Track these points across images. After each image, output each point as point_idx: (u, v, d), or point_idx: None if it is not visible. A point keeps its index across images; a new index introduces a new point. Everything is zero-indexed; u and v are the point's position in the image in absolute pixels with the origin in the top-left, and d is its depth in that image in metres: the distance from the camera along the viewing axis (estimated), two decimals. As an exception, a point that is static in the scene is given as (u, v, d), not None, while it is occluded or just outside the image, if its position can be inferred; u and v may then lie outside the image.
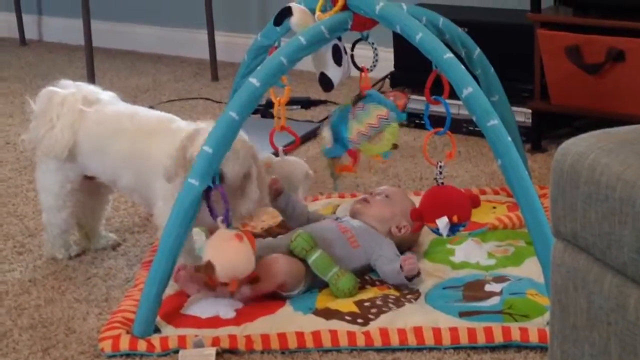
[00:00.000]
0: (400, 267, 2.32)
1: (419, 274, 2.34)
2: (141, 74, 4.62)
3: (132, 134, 2.46)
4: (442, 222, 2.27)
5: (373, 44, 2.47)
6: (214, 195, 2.20)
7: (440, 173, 2.32)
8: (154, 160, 2.38)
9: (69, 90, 2.56)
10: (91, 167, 2.54)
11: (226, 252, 2.19)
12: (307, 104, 3.96)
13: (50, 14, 5.38)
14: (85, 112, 2.51)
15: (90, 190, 2.61)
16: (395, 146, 2.48)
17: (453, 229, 2.30)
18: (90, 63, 4.07)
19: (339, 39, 2.42)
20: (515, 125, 2.68)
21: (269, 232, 2.64)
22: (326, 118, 3.77)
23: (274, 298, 2.31)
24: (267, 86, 2.23)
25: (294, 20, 2.36)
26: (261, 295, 2.30)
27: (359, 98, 2.48)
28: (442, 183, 2.33)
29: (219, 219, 2.22)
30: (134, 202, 2.87)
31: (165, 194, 2.35)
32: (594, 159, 1.42)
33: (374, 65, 2.50)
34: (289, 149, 2.58)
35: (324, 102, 3.98)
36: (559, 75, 3.17)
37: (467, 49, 2.57)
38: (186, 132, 2.33)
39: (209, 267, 2.18)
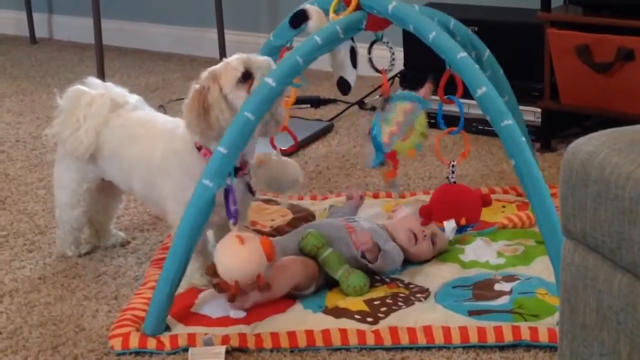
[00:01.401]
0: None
1: (378, 255, 2.34)
2: (151, 73, 4.62)
3: (141, 140, 2.46)
4: (449, 226, 2.26)
5: (388, 42, 2.46)
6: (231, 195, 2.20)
7: (453, 172, 2.31)
8: (157, 160, 2.39)
9: (98, 91, 2.56)
10: (110, 172, 2.54)
11: (226, 254, 2.16)
12: (317, 102, 3.96)
13: (60, 13, 5.39)
14: (109, 116, 2.52)
15: (105, 188, 2.61)
16: (424, 135, 2.46)
17: (460, 229, 2.29)
18: (100, 61, 4.08)
19: (352, 40, 2.41)
20: (524, 126, 2.67)
21: (278, 231, 2.65)
22: (335, 117, 3.78)
23: (284, 297, 2.31)
24: (282, 86, 2.23)
25: (311, 24, 2.36)
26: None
27: (385, 101, 2.48)
28: (455, 182, 2.32)
29: (231, 220, 2.19)
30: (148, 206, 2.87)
31: (175, 194, 2.35)
32: (603, 158, 1.42)
33: (393, 65, 2.49)
34: (287, 151, 2.58)
35: (334, 100, 3.98)
36: (569, 74, 3.17)
37: (477, 50, 2.57)
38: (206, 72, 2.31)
39: (212, 268, 2.18)
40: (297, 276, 2.29)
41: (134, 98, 2.60)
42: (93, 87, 2.57)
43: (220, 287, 2.20)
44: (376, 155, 2.45)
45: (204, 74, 2.31)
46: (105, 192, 2.62)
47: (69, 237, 2.63)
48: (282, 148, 2.57)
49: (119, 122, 2.51)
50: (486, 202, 2.34)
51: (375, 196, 2.94)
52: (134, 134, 2.48)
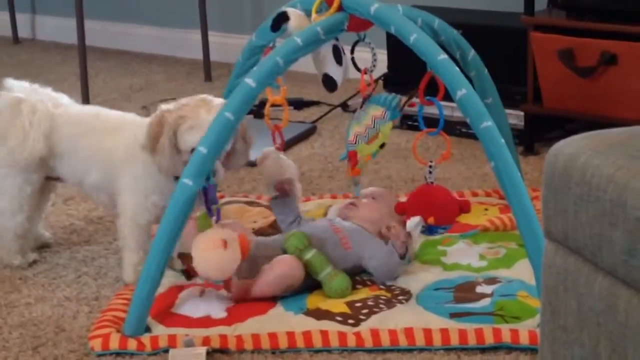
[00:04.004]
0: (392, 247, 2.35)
1: (407, 249, 2.35)
2: (134, 74, 4.61)
3: (99, 133, 2.47)
4: (412, 222, 2.28)
5: (370, 43, 2.47)
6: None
7: (431, 173, 2.32)
8: (119, 154, 2.42)
9: (35, 97, 2.52)
10: (60, 169, 2.53)
11: (208, 255, 2.20)
12: (300, 104, 3.96)
13: (43, 13, 5.37)
14: (55, 116, 2.51)
15: (40, 188, 2.59)
16: (382, 145, 2.49)
17: (431, 229, 2.29)
18: (84, 62, 4.07)
19: (337, 39, 2.42)
20: (508, 128, 2.68)
21: (261, 232, 2.64)
22: (318, 119, 3.78)
23: (264, 298, 2.31)
24: (262, 87, 2.24)
25: (291, 24, 2.36)
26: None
27: (363, 101, 2.50)
28: (432, 183, 2.33)
29: (213, 218, 2.24)
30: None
31: (132, 186, 2.42)
32: (585, 160, 1.42)
33: (374, 66, 2.50)
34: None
35: (317, 103, 3.98)
36: (552, 78, 3.17)
37: (462, 50, 2.58)
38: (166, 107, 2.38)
39: (189, 258, 2.24)
40: (291, 279, 2.29)
41: (65, 98, 2.61)
42: (18, 90, 2.54)
43: (189, 273, 2.31)
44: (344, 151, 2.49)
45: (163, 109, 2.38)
46: (39, 191, 2.59)
47: (14, 245, 2.56)
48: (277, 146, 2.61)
49: (65, 119, 2.52)
50: (463, 208, 2.33)
51: (346, 197, 2.93)
52: (90, 127, 2.49)
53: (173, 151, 2.32)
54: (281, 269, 2.29)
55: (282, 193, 2.58)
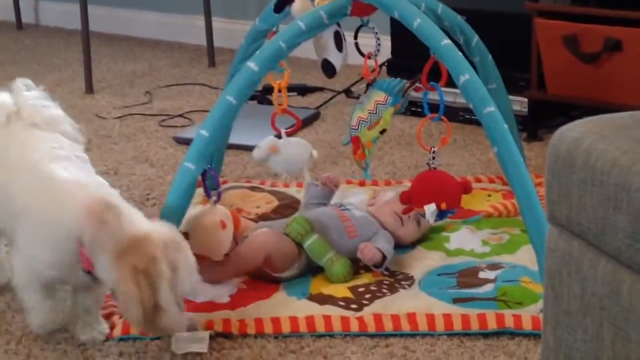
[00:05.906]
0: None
1: (384, 258, 2.34)
2: (138, 60, 4.61)
3: (2, 167, 2.13)
4: (430, 209, 2.27)
5: (374, 28, 2.47)
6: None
7: (434, 158, 2.32)
8: (21, 205, 2.06)
9: (9, 102, 2.22)
10: None
11: (207, 233, 2.19)
12: (304, 90, 3.96)
13: (47, -2, 5.37)
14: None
15: None
16: (383, 131, 2.49)
17: (441, 215, 2.30)
18: (87, 48, 4.07)
19: (338, 25, 2.42)
20: (512, 114, 2.68)
21: (264, 218, 2.64)
22: (322, 105, 3.77)
23: (267, 283, 2.31)
24: (265, 70, 2.24)
25: (295, 7, 2.37)
26: (254, 278, 2.32)
27: (367, 86, 2.50)
28: (435, 168, 2.33)
29: (212, 199, 2.23)
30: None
31: (25, 250, 2.06)
32: (589, 144, 1.42)
33: (378, 51, 2.50)
34: (290, 131, 2.60)
35: (321, 89, 3.97)
36: (556, 64, 3.17)
37: (466, 36, 2.57)
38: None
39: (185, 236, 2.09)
40: (266, 245, 2.29)
41: (50, 114, 2.22)
42: (17, 89, 2.23)
43: None
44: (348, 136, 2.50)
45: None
46: None
47: None
48: (286, 130, 2.60)
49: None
50: (466, 188, 2.34)
51: (362, 184, 2.94)
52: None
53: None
54: (248, 246, 2.30)
55: (327, 188, 2.59)
